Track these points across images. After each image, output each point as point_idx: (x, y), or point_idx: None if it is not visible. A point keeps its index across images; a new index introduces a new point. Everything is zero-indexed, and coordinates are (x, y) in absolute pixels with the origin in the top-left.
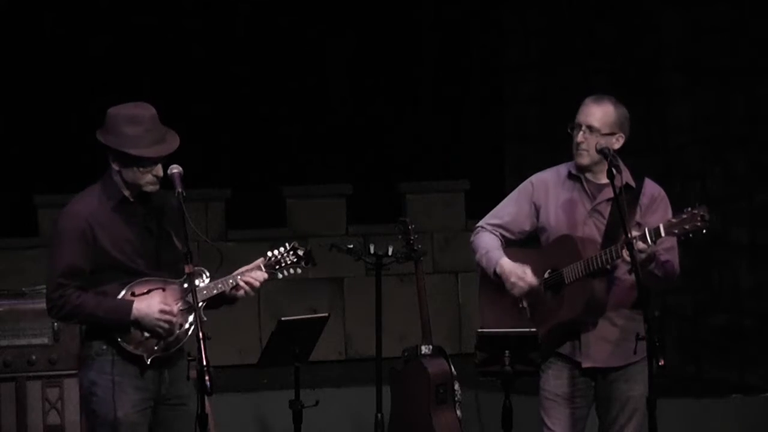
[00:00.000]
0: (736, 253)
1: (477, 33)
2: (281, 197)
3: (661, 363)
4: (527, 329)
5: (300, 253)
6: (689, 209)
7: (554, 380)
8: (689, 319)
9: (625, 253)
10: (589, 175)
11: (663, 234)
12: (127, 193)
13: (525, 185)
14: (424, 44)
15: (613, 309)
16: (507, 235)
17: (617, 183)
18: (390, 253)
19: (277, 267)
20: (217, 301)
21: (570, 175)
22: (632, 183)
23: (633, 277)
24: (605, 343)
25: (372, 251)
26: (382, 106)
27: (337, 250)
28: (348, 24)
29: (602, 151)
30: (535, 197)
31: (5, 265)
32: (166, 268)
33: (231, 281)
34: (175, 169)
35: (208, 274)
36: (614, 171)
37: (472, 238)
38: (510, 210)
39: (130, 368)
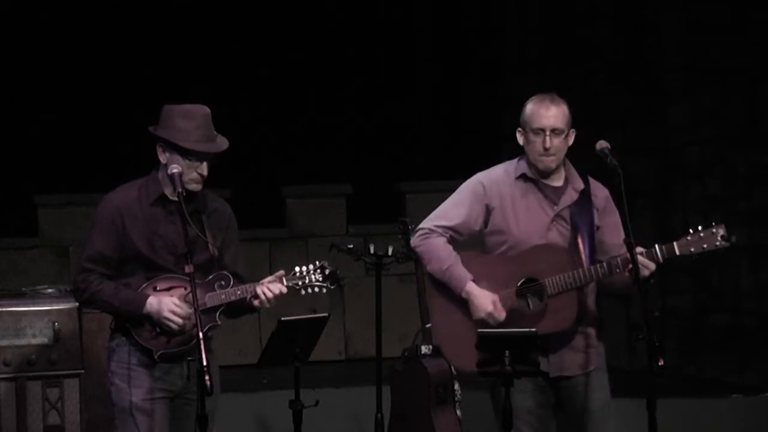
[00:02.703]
0: (736, 253)
1: (477, 33)
2: (281, 197)
3: (661, 363)
4: (527, 329)
5: (327, 272)
6: (702, 228)
7: (520, 394)
8: (689, 319)
9: (627, 271)
10: (545, 179)
11: (677, 253)
12: (169, 190)
13: (475, 186)
14: (423, 44)
15: (586, 322)
16: (456, 237)
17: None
18: (390, 253)
19: (301, 283)
20: (238, 310)
21: (523, 177)
22: (581, 185)
23: (595, 289)
24: (575, 351)
25: (372, 251)
26: (382, 106)
27: (337, 250)
28: (348, 24)
29: (602, 152)
30: (487, 199)
31: (5, 265)
32: (197, 268)
33: (251, 289)
34: (176, 169)
35: (232, 280)
36: (614, 172)
37: (417, 242)
38: (461, 212)
39: (147, 359)
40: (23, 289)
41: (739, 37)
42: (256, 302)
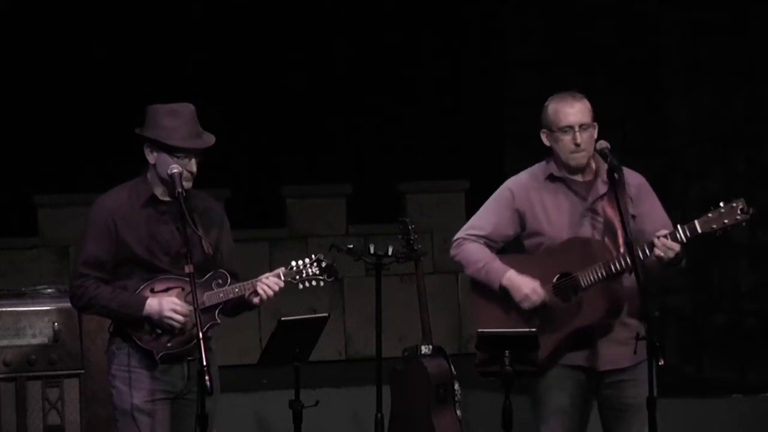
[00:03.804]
0: (736, 253)
1: (477, 33)
2: (281, 197)
3: (661, 363)
4: (527, 329)
5: (323, 265)
6: (723, 203)
7: (557, 391)
8: (689, 319)
9: (659, 251)
10: (574, 176)
11: (699, 231)
12: (159, 191)
13: (502, 193)
14: (423, 44)
15: (627, 310)
16: (491, 244)
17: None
18: (390, 253)
19: (298, 277)
20: (236, 308)
21: (551, 177)
22: (615, 176)
23: (630, 275)
24: (619, 344)
25: (372, 251)
26: (382, 106)
27: (337, 250)
28: (348, 24)
29: (602, 152)
30: (516, 204)
31: (5, 265)
32: (193, 268)
33: (249, 286)
34: (176, 168)
35: (229, 278)
36: (614, 171)
37: (454, 252)
38: (491, 220)
39: (147, 360)
40: (23, 289)
41: (739, 37)
42: (255, 299)
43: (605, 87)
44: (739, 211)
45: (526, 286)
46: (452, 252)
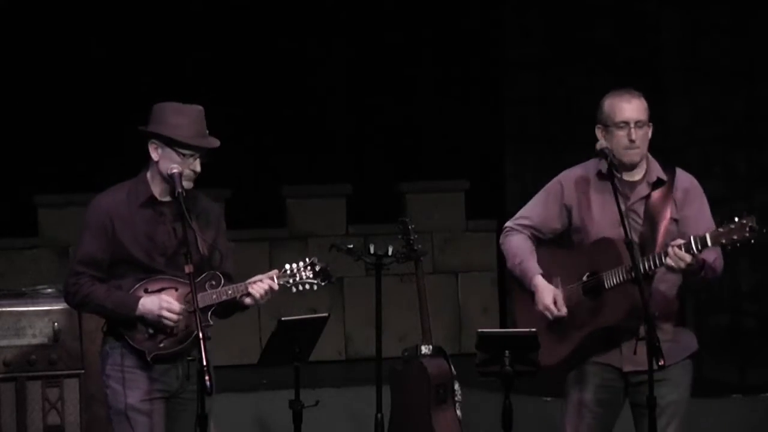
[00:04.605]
0: (736, 253)
1: (477, 33)
2: (281, 197)
3: (661, 363)
4: (527, 329)
5: (317, 269)
6: (737, 218)
7: (582, 387)
8: (689, 319)
9: (670, 260)
10: (623, 174)
11: (710, 244)
12: (158, 191)
13: (553, 186)
14: (423, 44)
15: (658, 314)
16: (538, 234)
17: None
18: (390, 253)
19: (292, 281)
20: (229, 309)
21: (599, 174)
22: (663, 176)
23: (676, 280)
24: (645, 345)
25: (372, 251)
26: (382, 106)
27: (337, 250)
28: (348, 24)
29: (602, 152)
30: (565, 198)
31: (5, 265)
32: None
33: (242, 288)
34: (176, 168)
35: (222, 280)
36: (613, 171)
37: (501, 240)
38: (539, 211)
39: (141, 360)
40: (23, 289)
41: (739, 37)
42: (247, 300)
43: (605, 87)
44: (747, 229)
45: (542, 300)
46: (500, 240)
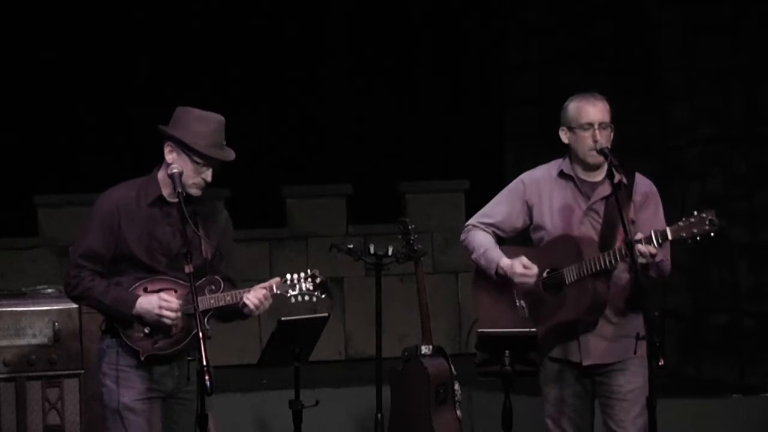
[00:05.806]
0: (736, 253)
1: (476, 32)
2: (281, 197)
3: (661, 363)
4: (527, 329)
5: (318, 281)
6: (696, 213)
7: (554, 383)
8: (689, 319)
9: (639, 253)
10: (583, 175)
11: (670, 237)
12: (167, 192)
13: (516, 185)
14: (423, 44)
15: (609, 307)
16: (499, 233)
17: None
18: (390, 253)
19: (291, 291)
20: (229, 315)
21: (561, 174)
22: (624, 180)
23: (627, 276)
24: (603, 340)
25: (372, 251)
26: (381, 106)
27: (337, 250)
28: (347, 24)
29: (602, 151)
30: (527, 196)
31: (5, 265)
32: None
33: (240, 295)
34: (176, 169)
35: (222, 285)
36: (614, 171)
37: (463, 236)
38: (501, 209)
39: (136, 359)
40: (23, 289)
41: (739, 37)
42: (245, 309)
43: (605, 87)
44: (707, 222)
45: (515, 270)
46: (462, 237)
